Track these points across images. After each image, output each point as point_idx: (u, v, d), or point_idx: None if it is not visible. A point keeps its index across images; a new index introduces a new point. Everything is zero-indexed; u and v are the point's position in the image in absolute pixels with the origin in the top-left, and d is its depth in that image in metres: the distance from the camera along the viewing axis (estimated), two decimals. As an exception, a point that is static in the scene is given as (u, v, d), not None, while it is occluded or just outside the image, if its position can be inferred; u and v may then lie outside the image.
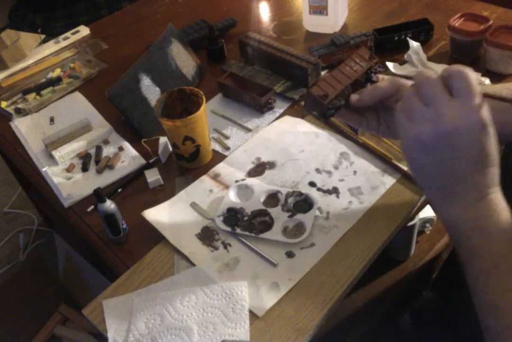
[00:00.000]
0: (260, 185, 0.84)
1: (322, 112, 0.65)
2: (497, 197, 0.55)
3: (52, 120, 1.07)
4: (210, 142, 0.91)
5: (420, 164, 0.56)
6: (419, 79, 0.54)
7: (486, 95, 0.53)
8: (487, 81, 0.94)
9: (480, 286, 0.52)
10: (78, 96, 1.12)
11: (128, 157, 0.95)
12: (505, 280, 0.51)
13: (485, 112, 0.51)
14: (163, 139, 0.93)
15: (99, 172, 0.92)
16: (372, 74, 0.67)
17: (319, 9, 1.15)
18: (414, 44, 1.04)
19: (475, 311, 0.53)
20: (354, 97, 0.64)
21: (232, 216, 0.80)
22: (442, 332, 0.91)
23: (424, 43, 1.08)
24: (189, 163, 0.90)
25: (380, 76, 0.67)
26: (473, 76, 0.52)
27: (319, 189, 0.82)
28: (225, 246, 0.76)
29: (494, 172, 0.54)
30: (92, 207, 0.86)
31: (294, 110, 0.99)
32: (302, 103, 0.67)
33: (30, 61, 1.25)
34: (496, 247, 0.52)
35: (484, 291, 0.52)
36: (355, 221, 0.77)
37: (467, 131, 0.51)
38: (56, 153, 0.95)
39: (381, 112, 0.66)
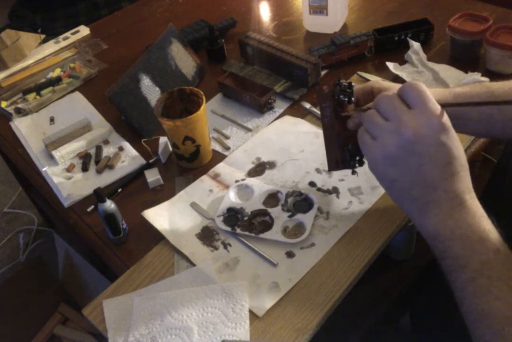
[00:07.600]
0: (260, 185, 0.84)
1: (349, 167, 0.67)
2: (474, 203, 0.54)
3: (52, 120, 1.07)
4: (210, 142, 0.91)
5: (391, 180, 0.55)
6: (376, 99, 0.55)
7: (445, 105, 0.53)
8: (487, 81, 0.94)
9: (468, 295, 0.51)
10: (78, 96, 1.12)
11: (128, 157, 0.95)
12: (493, 288, 0.50)
13: (444, 116, 0.52)
14: (163, 139, 0.93)
15: (99, 172, 0.92)
16: (344, 93, 0.62)
17: (319, 9, 1.15)
18: (414, 44, 1.04)
19: None
20: (351, 123, 0.62)
21: (232, 216, 0.79)
22: (442, 332, 0.91)
23: (424, 43, 1.08)
24: (189, 163, 0.90)
25: (375, 80, 0.66)
26: (424, 86, 0.53)
27: (319, 189, 0.82)
28: (225, 246, 0.76)
29: (466, 178, 0.54)
30: (92, 207, 0.86)
31: (294, 110, 0.99)
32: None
33: (30, 61, 1.25)
34: (479, 256, 0.51)
35: (472, 300, 0.51)
36: (355, 221, 0.77)
37: (430, 135, 0.51)
38: (56, 153, 0.95)
39: None
